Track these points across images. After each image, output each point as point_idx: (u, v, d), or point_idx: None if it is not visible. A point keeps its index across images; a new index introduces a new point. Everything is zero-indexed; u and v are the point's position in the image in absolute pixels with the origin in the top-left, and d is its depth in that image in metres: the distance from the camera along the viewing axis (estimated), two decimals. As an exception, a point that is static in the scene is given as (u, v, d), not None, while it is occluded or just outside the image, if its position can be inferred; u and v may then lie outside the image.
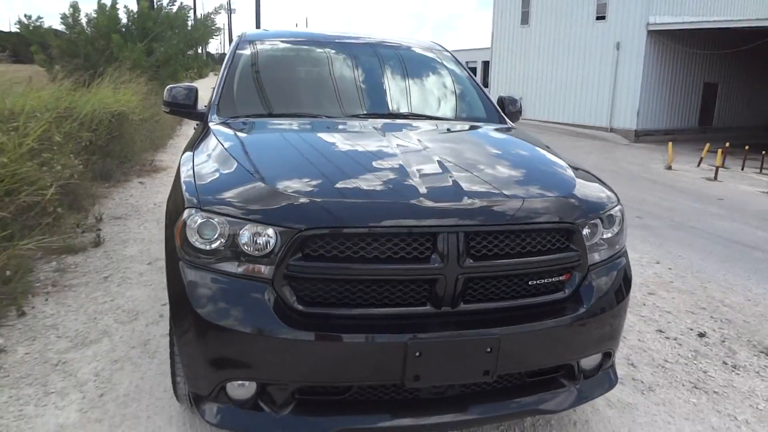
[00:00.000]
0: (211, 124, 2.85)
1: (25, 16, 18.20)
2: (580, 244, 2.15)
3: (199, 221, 1.95)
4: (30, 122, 5.72)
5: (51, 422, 2.44)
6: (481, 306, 2.05)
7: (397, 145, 2.48)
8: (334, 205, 1.96)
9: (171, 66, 14.76)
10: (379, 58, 3.63)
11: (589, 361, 2.31)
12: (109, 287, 3.93)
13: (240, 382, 1.98)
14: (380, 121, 2.98)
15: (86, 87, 8.20)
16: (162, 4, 15.35)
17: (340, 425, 1.97)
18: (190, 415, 2.48)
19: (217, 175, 2.19)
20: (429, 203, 1.98)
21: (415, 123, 3.05)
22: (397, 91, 3.42)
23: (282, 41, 3.74)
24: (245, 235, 1.91)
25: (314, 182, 2.09)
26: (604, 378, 2.37)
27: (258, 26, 25.00)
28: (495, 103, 3.57)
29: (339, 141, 2.66)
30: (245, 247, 1.91)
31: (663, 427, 2.61)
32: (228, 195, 2.03)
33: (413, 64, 3.69)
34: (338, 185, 2.08)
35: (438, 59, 3.80)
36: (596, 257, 2.25)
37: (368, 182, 2.11)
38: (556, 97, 22.16)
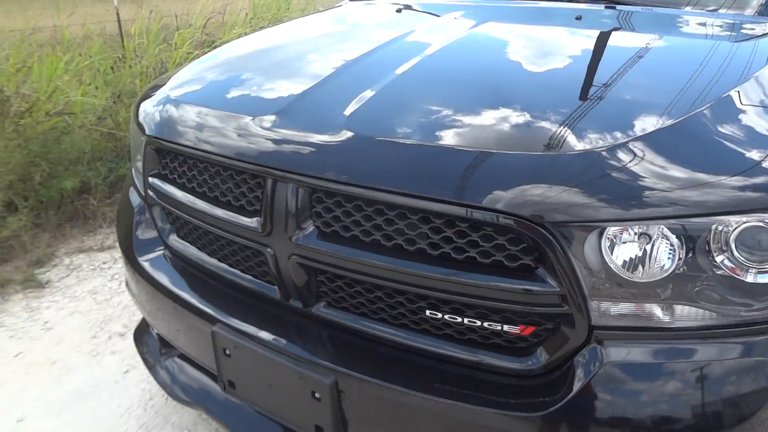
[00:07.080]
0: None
1: None
2: (566, 268, 0.93)
3: None
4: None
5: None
6: (346, 321, 1.16)
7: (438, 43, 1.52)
8: (182, 111, 1.37)
9: None
10: None
11: None
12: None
13: None
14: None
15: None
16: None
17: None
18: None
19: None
20: (280, 132, 1.17)
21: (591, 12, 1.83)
22: None
23: None
24: None
25: (224, 87, 1.48)
26: None
27: None
28: None
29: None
30: None
31: None
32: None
33: None
34: (237, 89, 1.44)
35: None
36: (657, 314, 0.96)
37: (276, 93, 1.36)
38: None
